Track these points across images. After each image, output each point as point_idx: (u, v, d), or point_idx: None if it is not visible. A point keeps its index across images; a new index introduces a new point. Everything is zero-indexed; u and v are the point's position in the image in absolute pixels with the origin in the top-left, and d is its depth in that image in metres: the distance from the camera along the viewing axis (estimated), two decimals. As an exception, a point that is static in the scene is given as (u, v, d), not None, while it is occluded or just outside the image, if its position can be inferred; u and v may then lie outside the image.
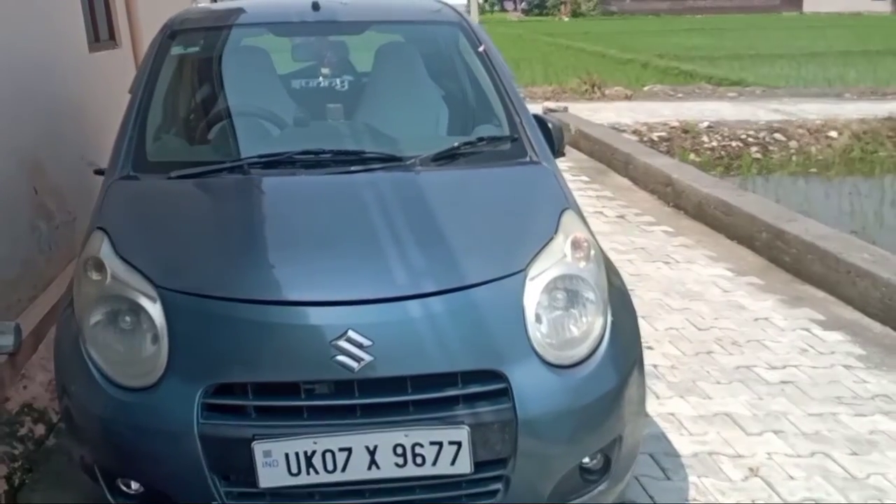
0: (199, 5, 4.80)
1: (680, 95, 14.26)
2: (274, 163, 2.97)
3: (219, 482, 2.28)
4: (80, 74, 5.53)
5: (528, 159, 3.14)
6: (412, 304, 2.36)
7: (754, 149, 10.84)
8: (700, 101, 13.69)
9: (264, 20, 3.87)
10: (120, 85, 6.36)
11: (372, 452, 2.26)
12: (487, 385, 2.34)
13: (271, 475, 2.25)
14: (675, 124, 11.37)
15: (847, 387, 3.94)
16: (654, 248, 6.02)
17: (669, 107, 12.99)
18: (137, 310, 2.39)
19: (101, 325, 2.43)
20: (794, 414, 3.68)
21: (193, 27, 3.70)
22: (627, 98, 13.98)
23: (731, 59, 25.49)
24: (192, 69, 3.66)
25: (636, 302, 4.59)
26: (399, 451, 2.26)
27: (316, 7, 3.69)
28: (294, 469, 2.25)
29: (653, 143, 10.65)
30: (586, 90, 14.00)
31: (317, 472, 2.25)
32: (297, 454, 2.24)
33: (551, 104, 11.47)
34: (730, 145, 10.95)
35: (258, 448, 2.23)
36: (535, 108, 11.65)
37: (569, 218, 2.75)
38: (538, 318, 2.45)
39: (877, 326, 4.62)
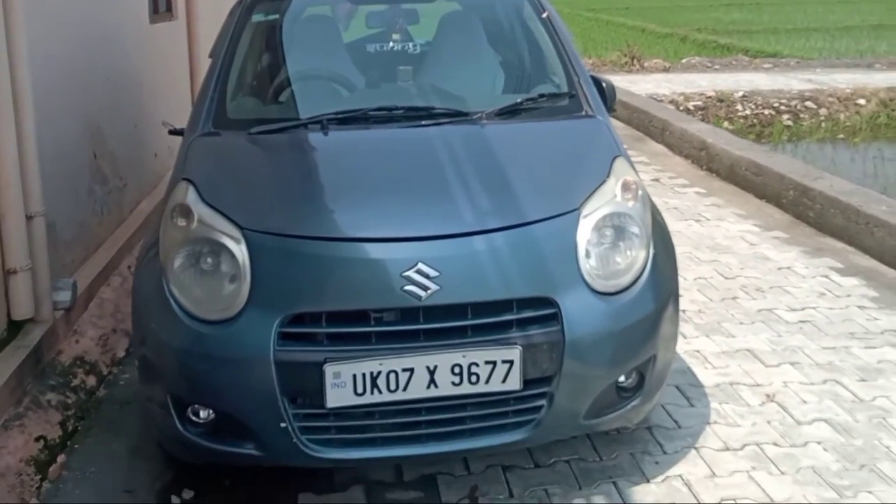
0: None
1: (717, 67, 14.23)
2: (348, 119, 3.20)
3: (288, 404, 2.49)
4: (140, 45, 5.69)
5: (583, 113, 3.35)
6: (476, 240, 2.60)
7: (785, 116, 10.87)
8: (736, 72, 13.66)
9: None
10: (175, 55, 6.60)
11: (432, 372, 2.48)
12: (539, 310, 2.58)
13: (338, 395, 2.46)
14: (711, 94, 11.41)
15: (859, 324, 4.13)
16: (687, 207, 6.19)
17: (706, 78, 12.97)
18: (220, 251, 2.59)
19: (185, 267, 2.63)
20: (810, 348, 3.88)
21: None
22: (666, 70, 13.98)
23: (768, 32, 25.15)
24: (269, 35, 3.87)
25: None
26: (456, 370, 2.49)
27: None
28: (360, 389, 2.46)
29: (688, 112, 10.71)
30: (625, 63, 14.04)
31: (380, 392, 2.47)
32: (363, 375, 2.46)
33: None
34: (762, 113, 10.98)
35: (329, 370, 2.44)
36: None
37: (619, 164, 2.98)
38: (588, 252, 2.68)
39: (891, 272, 4.79)
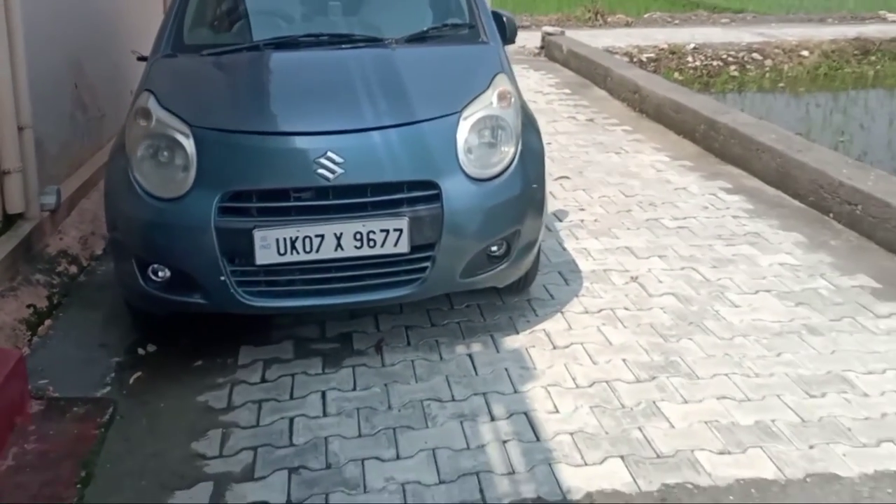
0: None
1: (676, 22, 14.93)
2: (283, 44, 3.97)
3: (226, 263, 3.23)
4: None
5: (479, 41, 4.11)
6: (375, 134, 3.36)
7: (732, 67, 11.60)
8: (694, 26, 14.36)
9: None
10: (150, 2, 7.24)
11: (338, 237, 3.24)
12: (425, 191, 3.34)
13: (265, 255, 3.21)
14: (664, 47, 12.11)
15: (729, 229, 4.91)
16: (611, 142, 6.94)
17: (664, 32, 13.66)
18: (174, 144, 3.33)
19: (146, 157, 3.38)
20: (679, 245, 4.66)
21: None
22: (628, 25, 14.67)
23: (743, -10, 25.71)
24: None
25: (582, 181, 5.72)
26: (358, 236, 3.25)
27: None
28: (282, 250, 3.22)
29: (641, 63, 11.43)
30: (589, 17, 14.71)
31: (297, 253, 3.23)
32: (284, 239, 3.21)
33: (550, 28, 12.22)
34: (711, 64, 11.70)
35: (257, 234, 3.19)
36: (535, 33, 12.51)
37: (499, 78, 3.71)
38: (466, 146, 3.43)
39: (771, 190, 5.57)
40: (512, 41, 4.37)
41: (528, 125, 3.77)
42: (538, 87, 9.34)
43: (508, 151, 3.52)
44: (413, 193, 3.33)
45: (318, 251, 3.24)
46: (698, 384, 3.28)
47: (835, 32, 12.81)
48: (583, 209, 5.30)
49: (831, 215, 5.02)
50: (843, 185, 4.92)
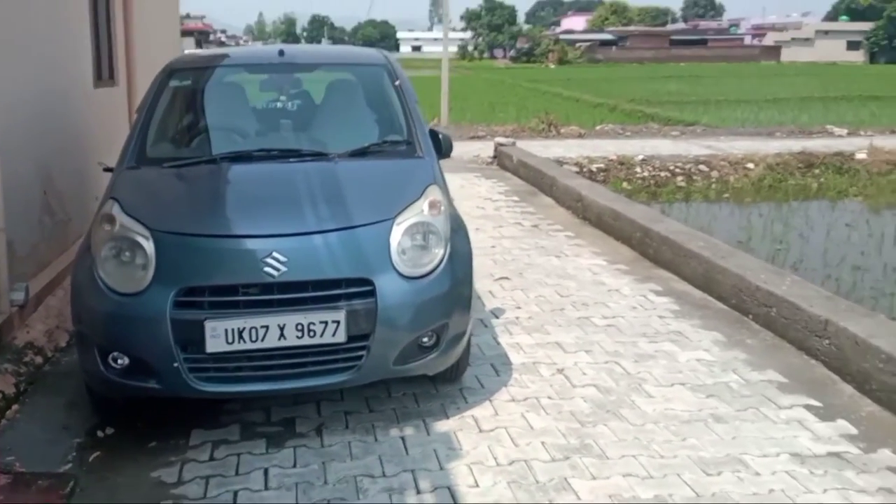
0: (190, 51, 6.33)
1: (628, 134, 15.90)
2: (236, 157, 4.56)
3: (179, 351, 3.71)
4: (85, 105, 7.06)
5: (416, 155, 4.70)
6: (316, 237, 3.89)
7: (680, 178, 12.42)
8: (645, 138, 15.32)
9: (240, 62, 5.61)
10: (115, 116, 7.94)
11: (282, 328, 3.73)
12: (361, 287, 3.85)
13: (215, 344, 3.69)
14: (614, 158, 12.95)
15: (654, 327, 5.45)
16: (553, 246, 7.55)
17: (615, 143, 14.59)
18: (135, 246, 3.83)
19: (109, 257, 3.87)
20: (606, 342, 5.18)
21: (186, 67, 5.29)
22: (580, 136, 15.61)
23: (699, 103, 27.14)
24: (182, 96, 5.19)
25: (521, 281, 6.30)
26: (299, 327, 3.74)
27: (281, 53, 5.31)
28: (230, 339, 3.70)
29: (591, 174, 12.23)
30: (543, 128, 15.62)
31: (244, 342, 3.71)
32: (232, 329, 3.69)
33: (502, 139, 13.04)
34: (659, 175, 12.53)
35: (208, 325, 3.68)
36: (490, 143, 13.30)
37: (431, 189, 4.27)
38: (399, 248, 3.96)
39: (697, 293, 6.15)
40: (447, 156, 4.95)
41: (457, 230, 4.30)
42: (488, 194, 10.02)
43: (438, 253, 4.05)
44: (350, 289, 3.83)
45: (263, 340, 3.71)
46: (607, 463, 3.73)
47: (781, 146, 13.76)
48: (519, 307, 5.82)
49: (750, 316, 5.58)
50: (759, 289, 5.50)
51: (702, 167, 12.74)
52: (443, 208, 4.18)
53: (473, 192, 10.18)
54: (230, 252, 3.83)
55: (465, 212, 8.99)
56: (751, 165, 12.75)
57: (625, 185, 12.05)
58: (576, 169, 12.16)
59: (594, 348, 5.08)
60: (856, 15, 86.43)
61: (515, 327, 5.43)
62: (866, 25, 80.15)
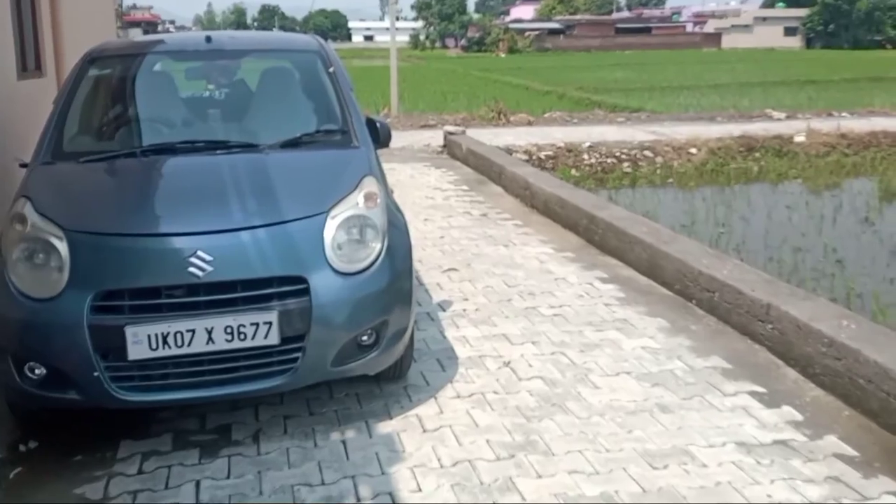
0: (122, 38, 5.85)
1: (575, 121, 15.73)
2: (160, 150, 4.23)
3: (99, 359, 3.39)
4: (7, 98, 6.60)
5: (352, 145, 4.41)
6: (244, 234, 3.60)
7: (626, 164, 12.28)
8: (591, 125, 15.16)
9: (165, 49, 5.19)
10: (42, 109, 7.48)
11: (209, 332, 3.45)
12: (294, 286, 3.58)
13: (137, 350, 3.39)
14: (561, 145, 12.77)
15: (599, 315, 5.26)
16: (501, 235, 7.33)
17: (563, 131, 14.41)
18: (48, 247, 3.51)
19: (21, 259, 3.54)
20: (552, 332, 4.98)
21: (108, 55, 4.92)
22: (529, 124, 15.40)
23: (644, 90, 27.15)
24: (104, 86, 4.84)
25: (469, 272, 6.06)
26: (228, 330, 3.47)
27: (209, 40, 4.96)
28: (153, 345, 3.40)
29: (540, 161, 12.05)
30: (493, 117, 15.39)
31: (169, 347, 3.42)
32: (156, 335, 3.40)
33: (451, 128, 12.80)
34: (605, 161, 12.38)
35: (129, 331, 3.38)
36: (439, 132, 13.05)
37: (367, 180, 4.01)
38: (333, 243, 3.69)
39: (643, 279, 5.97)
40: (385, 145, 4.69)
41: (395, 222, 4.06)
42: (438, 183, 9.78)
43: (375, 247, 3.79)
44: (282, 288, 3.56)
45: (189, 345, 3.44)
46: (552, 460, 3.53)
47: (722, 130, 13.68)
48: (466, 299, 5.60)
49: (694, 302, 5.42)
50: (702, 274, 5.34)
51: (647, 153, 12.61)
52: (379, 200, 3.93)
53: (423, 181, 9.93)
54: (151, 252, 3.54)
55: (415, 202, 8.82)
56: (694, 150, 12.65)
57: (573, 172, 11.87)
58: (525, 157, 11.96)
59: (541, 339, 4.87)
60: (792, 2, 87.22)
61: (462, 320, 5.21)
62: (802, 12, 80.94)
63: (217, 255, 3.50)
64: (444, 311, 5.37)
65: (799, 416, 3.94)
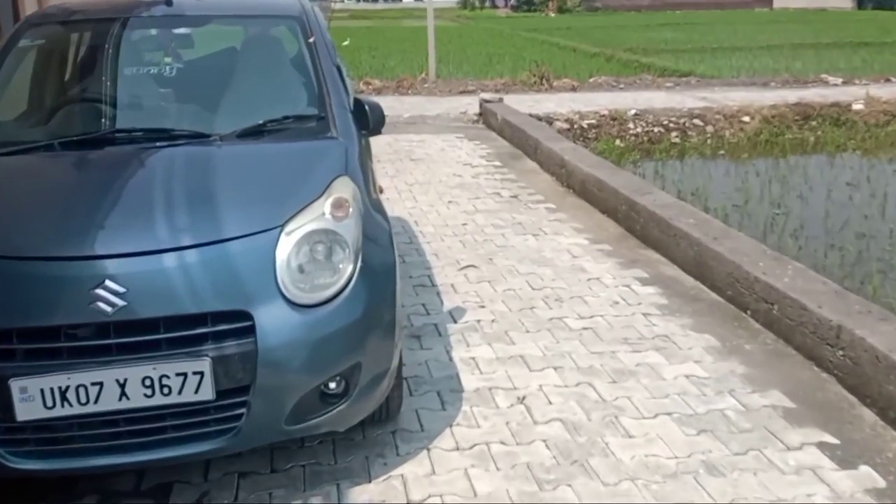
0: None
1: (622, 86, 14.54)
2: (83, 142, 3.33)
3: None
4: None
5: (328, 135, 3.49)
6: (167, 256, 2.71)
7: (674, 134, 11.15)
8: (639, 90, 13.98)
9: (115, 15, 4.11)
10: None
11: (122, 385, 2.59)
12: (234, 323, 2.70)
13: (28, 409, 2.53)
14: (606, 113, 11.66)
15: (637, 330, 4.32)
16: (531, 222, 6.37)
17: (608, 97, 13.26)
18: None
19: None
20: (579, 353, 4.06)
21: (46, 21, 4.03)
22: (573, 89, 14.25)
23: (695, 52, 25.62)
24: (32, 60, 3.95)
25: (489, 271, 5.07)
26: (147, 382, 2.60)
27: (169, 3, 4.00)
28: (49, 402, 2.54)
29: (582, 131, 11.00)
30: (535, 82, 14.28)
31: (70, 405, 2.56)
32: (52, 389, 2.53)
33: (487, 95, 11.76)
34: (652, 131, 11.25)
35: (14, 385, 2.50)
36: (474, 98, 12.03)
37: (339, 183, 3.09)
38: (288, 266, 2.79)
39: (689, 280, 5.00)
40: (377, 132, 3.78)
41: (375, 235, 3.12)
42: (468, 158, 8.81)
43: (344, 270, 2.88)
44: (219, 327, 2.69)
45: (97, 402, 2.59)
46: (566, 556, 2.65)
47: (776, 97, 12.45)
48: (483, 306, 4.70)
49: (748, 312, 4.45)
50: (758, 281, 4.36)
51: (696, 121, 11.44)
52: (351, 209, 2.99)
53: (453, 156, 8.97)
54: (46, 281, 2.65)
55: (441, 180, 7.86)
56: (746, 119, 11.45)
57: (617, 142, 10.79)
58: (566, 126, 10.92)
59: (565, 363, 3.96)
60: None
61: (475, 335, 4.30)
62: (856, -31, 77.22)
63: (132, 285, 2.63)
64: (454, 322, 4.47)
65: (881, 482, 3.01)
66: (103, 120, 3.59)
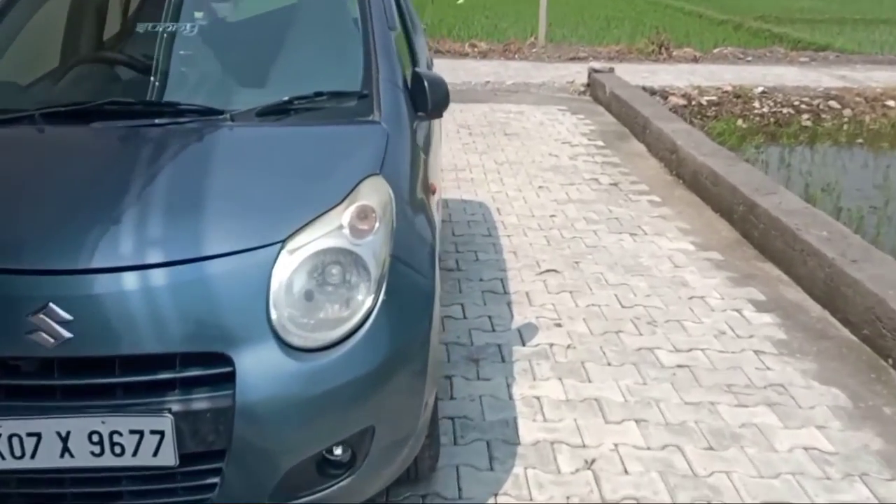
0: None
1: (749, 59, 13.32)
2: (71, 113, 2.73)
3: None
4: None
5: (368, 119, 2.79)
6: (129, 276, 2.09)
7: (805, 116, 10.03)
8: (768, 65, 12.78)
9: None
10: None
11: (65, 439, 2.02)
12: (209, 369, 2.08)
13: None
14: (728, 89, 10.62)
15: (745, 374, 3.52)
16: (629, 218, 5.56)
17: (732, 70, 12.15)
18: None
19: None
20: (670, 401, 3.30)
21: None
22: (695, 60, 13.13)
23: (834, 23, 23.85)
24: (32, 8, 3.37)
25: (573, 278, 4.34)
26: (95, 438, 2.03)
27: None
28: None
29: (700, 108, 10.02)
30: (652, 50, 13.23)
31: (3, 458, 2.04)
32: None
33: (597, 64, 10.84)
34: (781, 112, 10.15)
35: None
36: (584, 66, 11.14)
37: (370, 185, 2.40)
38: (286, 296, 2.15)
39: (815, 309, 4.15)
40: (438, 115, 3.08)
41: (411, 255, 2.40)
42: (568, 136, 7.98)
43: (360, 303, 2.20)
44: (188, 372, 2.07)
45: (33, 457, 2.03)
46: None
47: (929, 79, 11.12)
48: (560, 324, 3.97)
49: (890, 361, 3.59)
50: (908, 324, 3.50)
51: (832, 103, 10.27)
52: (377, 225, 2.30)
53: (552, 132, 8.16)
54: None
55: (534, 161, 7.08)
56: (891, 103, 10.21)
57: (739, 122, 9.75)
58: (683, 102, 9.96)
59: (650, 416, 3.21)
60: None
61: (544, 365, 3.59)
62: None
63: (81, 311, 2.03)
64: (523, 344, 3.77)
65: None
66: (97, 87, 3.01)
